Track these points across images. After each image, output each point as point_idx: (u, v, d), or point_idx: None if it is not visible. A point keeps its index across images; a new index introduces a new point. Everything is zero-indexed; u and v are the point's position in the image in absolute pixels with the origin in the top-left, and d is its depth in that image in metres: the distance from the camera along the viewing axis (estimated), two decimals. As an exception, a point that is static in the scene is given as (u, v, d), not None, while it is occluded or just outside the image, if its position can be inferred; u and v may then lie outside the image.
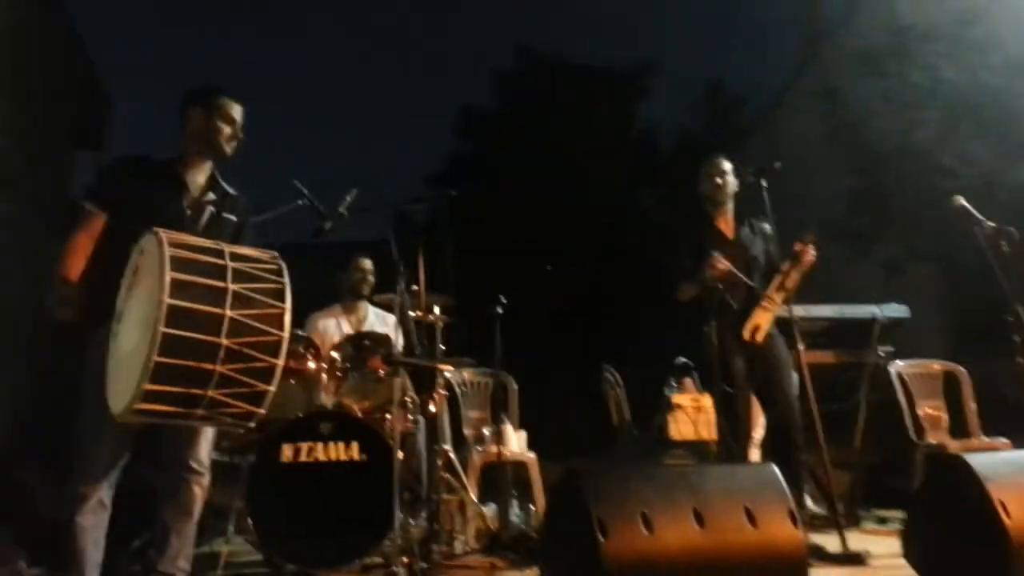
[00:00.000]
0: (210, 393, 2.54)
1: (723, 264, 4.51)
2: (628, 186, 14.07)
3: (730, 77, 24.29)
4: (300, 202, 4.11)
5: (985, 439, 5.49)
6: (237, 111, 3.31)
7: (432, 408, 4.54)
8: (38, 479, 4.40)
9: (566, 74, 20.97)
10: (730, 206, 4.89)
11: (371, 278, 5.39)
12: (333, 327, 5.17)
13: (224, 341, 2.54)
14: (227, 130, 3.28)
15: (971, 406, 5.74)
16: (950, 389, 5.80)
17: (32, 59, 10.16)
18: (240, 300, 2.61)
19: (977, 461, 3.20)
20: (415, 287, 4.41)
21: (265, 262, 2.78)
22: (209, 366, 2.53)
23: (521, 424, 5.68)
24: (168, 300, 2.47)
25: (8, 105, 9.33)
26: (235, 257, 2.71)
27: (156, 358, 2.43)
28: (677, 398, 5.94)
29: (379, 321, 5.31)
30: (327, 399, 4.32)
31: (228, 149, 3.30)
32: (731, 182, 4.85)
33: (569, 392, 10.19)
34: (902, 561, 3.38)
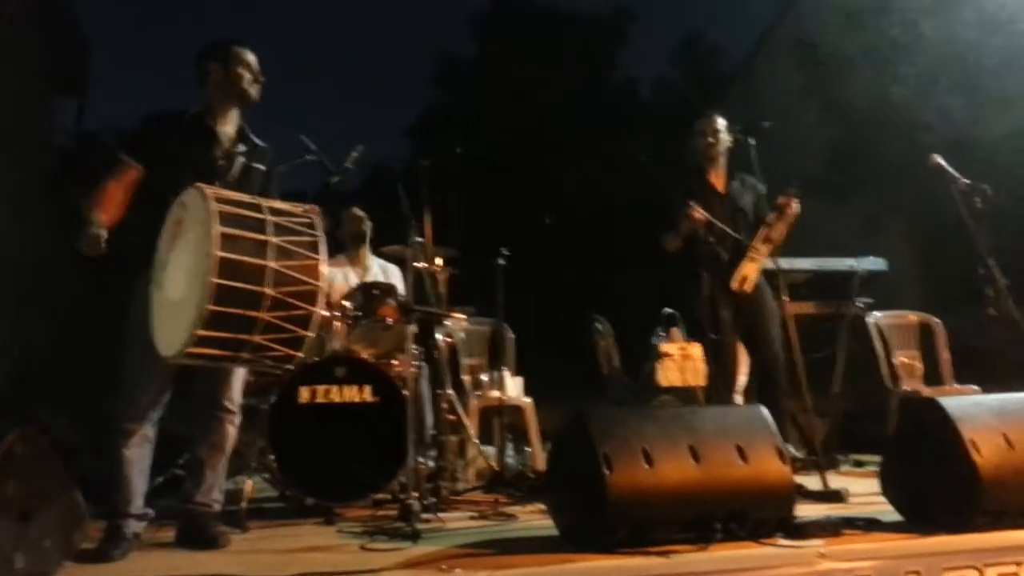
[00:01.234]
0: (255, 338, 2.76)
1: (699, 213, 4.72)
2: (612, 136, 14.21)
3: (709, 27, 24.22)
4: (308, 157, 4.29)
5: (957, 386, 5.72)
6: (251, 57, 3.48)
7: (436, 354, 4.75)
8: (61, 420, 4.59)
9: (544, 20, 20.91)
10: (723, 161, 5.09)
11: (368, 222, 5.54)
12: (340, 277, 5.33)
13: (268, 290, 2.75)
14: (247, 76, 3.45)
15: (944, 355, 5.97)
16: (925, 339, 6.02)
17: (15, 6, 10.09)
18: (281, 252, 2.82)
19: (949, 404, 3.41)
20: (420, 239, 4.59)
21: (299, 216, 2.98)
22: (255, 313, 2.74)
23: (516, 371, 5.90)
24: (218, 253, 2.67)
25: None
26: (273, 211, 2.91)
27: (209, 307, 2.63)
28: (665, 346, 6.15)
29: (381, 271, 5.48)
30: (337, 345, 4.50)
31: (253, 93, 3.47)
32: (724, 139, 5.04)
33: (560, 341, 10.41)
34: (879, 498, 3.59)
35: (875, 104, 11.79)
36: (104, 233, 3.16)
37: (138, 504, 3.24)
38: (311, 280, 2.86)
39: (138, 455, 3.24)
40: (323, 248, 2.94)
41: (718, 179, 5.09)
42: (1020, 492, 3.23)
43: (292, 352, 2.87)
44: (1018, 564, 3.10)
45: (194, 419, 3.46)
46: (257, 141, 3.56)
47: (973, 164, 5.50)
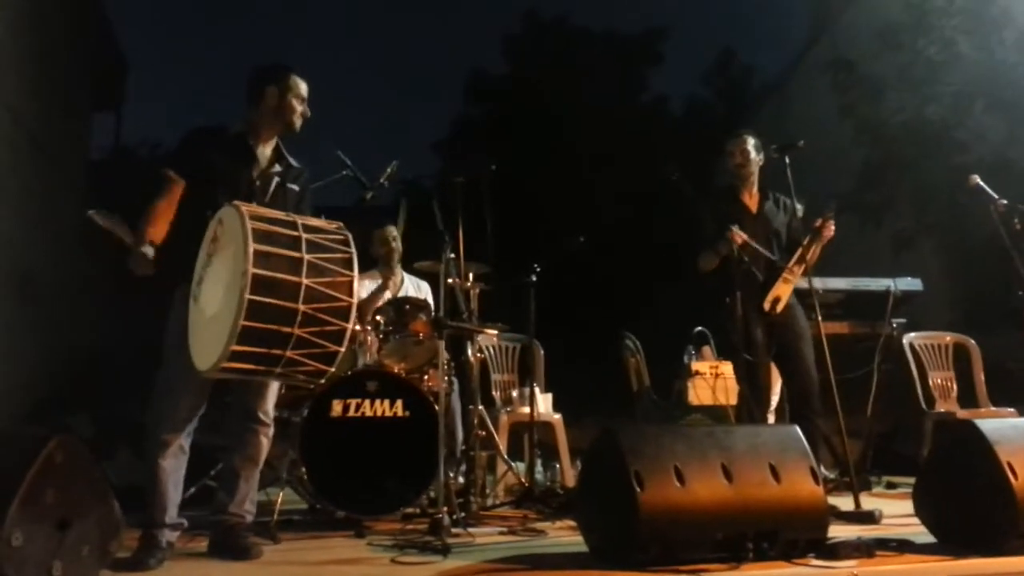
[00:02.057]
0: (288, 353, 2.81)
1: (740, 236, 4.72)
2: (644, 154, 14.22)
3: (742, 46, 24.13)
4: (344, 172, 4.34)
5: (992, 408, 5.66)
6: (305, 89, 3.54)
7: (467, 370, 4.76)
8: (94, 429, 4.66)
9: (577, 39, 20.98)
10: (755, 180, 5.08)
11: (397, 245, 5.54)
12: (371, 288, 5.36)
13: (301, 307, 2.80)
14: (299, 108, 3.51)
15: (980, 376, 5.90)
16: (960, 360, 5.95)
17: (54, 23, 10.29)
18: (314, 269, 2.86)
19: (986, 426, 3.39)
20: (452, 255, 4.61)
21: (333, 233, 3.03)
22: (288, 329, 2.78)
23: (546, 387, 5.90)
24: (253, 270, 2.72)
25: (34, 68, 9.49)
26: (307, 228, 2.95)
27: (243, 322, 2.68)
28: (696, 365, 6.15)
29: (413, 286, 5.51)
30: (369, 359, 4.53)
31: (298, 125, 3.53)
32: (755, 159, 5.02)
33: (590, 358, 10.40)
34: (913, 520, 3.56)
35: (911, 123, 11.66)
36: (152, 251, 3.22)
37: (172, 514, 3.29)
38: (344, 296, 2.90)
39: (173, 465, 3.29)
40: (356, 265, 2.97)
41: (751, 199, 5.07)
42: (1057, 516, 3.19)
43: (324, 367, 2.91)
44: (1054, 588, 3.06)
45: (228, 430, 3.51)
46: (292, 161, 3.62)
47: (1011, 184, 5.45)
